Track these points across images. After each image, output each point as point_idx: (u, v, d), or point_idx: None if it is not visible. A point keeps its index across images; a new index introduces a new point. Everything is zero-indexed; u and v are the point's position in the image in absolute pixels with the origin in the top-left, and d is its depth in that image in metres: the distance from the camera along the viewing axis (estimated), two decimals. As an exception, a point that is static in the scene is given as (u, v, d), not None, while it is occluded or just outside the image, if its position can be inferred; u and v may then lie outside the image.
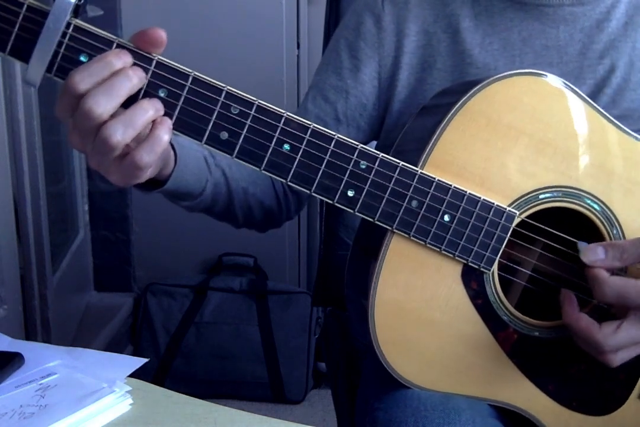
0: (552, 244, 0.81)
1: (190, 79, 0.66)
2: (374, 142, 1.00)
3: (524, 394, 0.83)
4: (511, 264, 0.83)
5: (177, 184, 0.78)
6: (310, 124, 0.70)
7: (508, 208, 0.77)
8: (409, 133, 0.82)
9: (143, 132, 0.64)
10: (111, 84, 0.62)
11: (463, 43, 0.92)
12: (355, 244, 0.83)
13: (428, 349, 0.79)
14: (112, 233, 2.38)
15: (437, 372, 0.80)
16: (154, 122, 0.65)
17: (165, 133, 0.65)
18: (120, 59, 0.63)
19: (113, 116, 0.63)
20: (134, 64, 0.65)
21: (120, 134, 0.62)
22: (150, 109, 0.64)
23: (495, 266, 0.78)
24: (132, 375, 0.74)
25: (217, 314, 2.19)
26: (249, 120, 0.68)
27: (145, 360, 0.76)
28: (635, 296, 0.73)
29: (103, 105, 0.62)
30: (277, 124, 0.69)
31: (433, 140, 0.75)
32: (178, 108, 0.66)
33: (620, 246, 0.77)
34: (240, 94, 0.68)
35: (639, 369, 0.85)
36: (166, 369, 2.15)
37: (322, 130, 0.70)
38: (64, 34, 0.63)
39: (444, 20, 0.93)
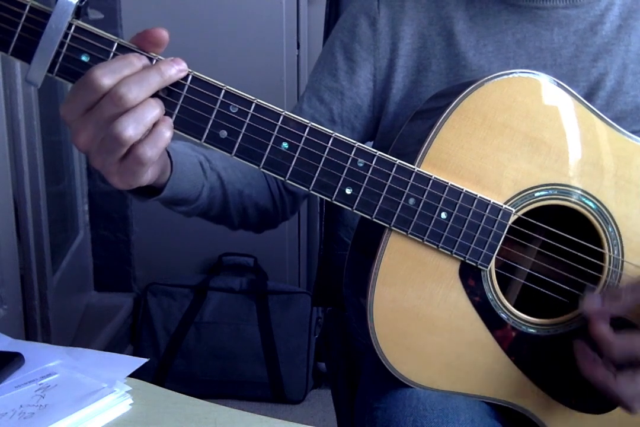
0: (550, 241, 0.82)
1: (190, 78, 0.67)
2: (370, 143, 1.00)
3: (523, 392, 0.83)
4: (509, 262, 0.83)
5: (174, 191, 0.78)
6: (308, 123, 0.70)
7: (504, 205, 0.78)
8: (405, 136, 0.82)
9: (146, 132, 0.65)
10: (144, 76, 0.63)
11: (457, 45, 0.92)
12: (353, 243, 0.83)
13: (427, 346, 0.79)
14: (112, 233, 2.39)
15: (436, 370, 0.80)
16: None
17: (167, 129, 0.65)
18: (140, 61, 0.64)
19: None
20: None
21: (132, 129, 0.62)
22: (157, 106, 0.65)
23: (492, 264, 0.79)
24: (132, 375, 0.74)
25: (217, 314, 2.19)
26: (248, 118, 0.68)
27: (145, 360, 0.76)
28: None
29: (135, 93, 0.62)
30: (276, 122, 0.69)
31: (429, 139, 0.76)
32: (178, 107, 0.67)
33: (615, 290, 0.80)
34: (239, 93, 0.68)
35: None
36: (166, 369, 2.15)
37: (319, 128, 0.71)
38: (65, 35, 0.63)
39: (438, 22, 0.94)
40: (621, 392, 0.76)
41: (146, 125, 0.64)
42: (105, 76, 0.62)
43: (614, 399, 0.77)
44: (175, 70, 0.65)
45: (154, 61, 0.66)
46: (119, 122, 0.62)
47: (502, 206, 0.78)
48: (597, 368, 0.77)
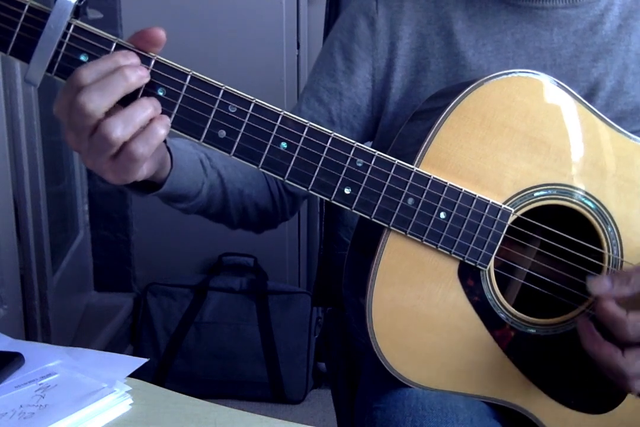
0: (549, 241, 0.82)
1: (189, 78, 0.67)
2: (369, 143, 1.00)
3: (522, 392, 0.83)
4: (508, 262, 0.83)
5: (173, 187, 0.78)
6: (307, 123, 0.70)
7: (503, 205, 0.78)
8: (404, 136, 0.82)
9: (139, 130, 0.65)
10: (106, 82, 0.62)
11: (457, 45, 0.92)
12: (352, 243, 0.84)
13: (426, 346, 0.79)
14: (112, 233, 2.39)
15: (435, 370, 0.80)
16: (151, 119, 0.65)
17: (161, 127, 0.65)
18: (127, 60, 0.64)
19: (110, 114, 0.63)
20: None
21: (120, 131, 0.62)
22: (149, 107, 0.65)
23: (491, 263, 0.79)
24: (132, 375, 0.74)
25: (217, 314, 2.19)
26: (247, 118, 0.68)
27: (145, 360, 0.76)
28: None
29: (96, 102, 0.62)
30: (274, 122, 0.69)
31: (428, 139, 0.76)
32: (177, 107, 0.67)
33: (625, 272, 0.78)
34: (238, 93, 0.68)
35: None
36: (166, 369, 2.15)
37: (318, 128, 0.71)
38: (64, 34, 0.64)
39: (437, 22, 0.94)
40: (627, 369, 0.74)
41: (136, 126, 0.63)
42: (90, 76, 0.62)
43: (616, 376, 0.76)
44: (137, 76, 0.64)
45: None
46: (108, 123, 0.62)
47: (501, 206, 0.78)
48: (603, 344, 0.76)
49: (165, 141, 0.77)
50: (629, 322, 0.74)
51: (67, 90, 0.63)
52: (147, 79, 0.65)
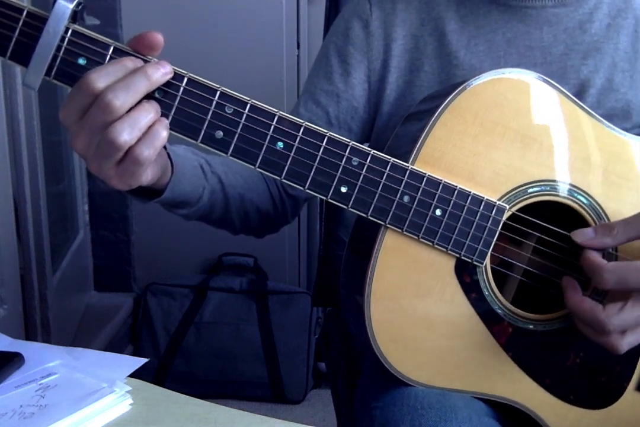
0: (544, 237, 0.82)
1: (186, 80, 0.67)
2: (366, 144, 1.00)
3: (521, 388, 0.83)
4: (505, 258, 0.83)
5: (174, 193, 0.79)
6: (302, 122, 0.71)
7: (498, 202, 0.78)
8: (399, 136, 0.83)
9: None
10: (130, 80, 0.63)
11: (449, 45, 0.93)
12: (350, 242, 0.84)
13: (424, 343, 0.79)
14: (112, 233, 2.39)
15: (434, 367, 0.80)
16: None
17: (163, 129, 0.66)
18: (134, 64, 0.65)
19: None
20: None
21: (127, 134, 0.63)
22: (152, 110, 0.65)
23: (487, 260, 0.79)
24: (132, 375, 0.74)
25: (217, 314, 2.19)
26: (243, 119, 0.69)
27: (145, 360, 0.76)
28: (635, 278, 0.74)
29: (122, 99, 0.63)
30: (270, 122, 0.70)
31: (422, 138, 0.77)
32: (174, 108, 0.67)
33: (609, 224, 0.79)
34: (234, 94, 0.69)
35: (634, 360, 0.85)
36: (166, 369, 2.15)
37: (314, 128, 0.71)
38: (62, 39, 0.64)
39: (430, 23, 0.95)
40: (607, 321, 0.73)
41: (141, 130, 0.64)
42: (100, 79, 0.63)
43: (598, 334, 0.75)
44: (161, 73, 0.65)
45: None
46: (114, 127, 0.63)
47: (495, 202, 0.78)
48: (584, 298, 0.76)
49: (165, 148, 0.77)
50: (608, 268, 0.74)
51: (78, 94, 0.64)
52: (169, 76, 0.66)
